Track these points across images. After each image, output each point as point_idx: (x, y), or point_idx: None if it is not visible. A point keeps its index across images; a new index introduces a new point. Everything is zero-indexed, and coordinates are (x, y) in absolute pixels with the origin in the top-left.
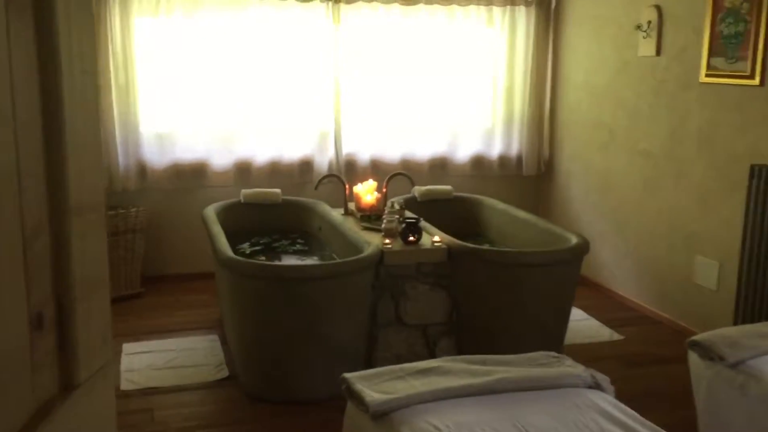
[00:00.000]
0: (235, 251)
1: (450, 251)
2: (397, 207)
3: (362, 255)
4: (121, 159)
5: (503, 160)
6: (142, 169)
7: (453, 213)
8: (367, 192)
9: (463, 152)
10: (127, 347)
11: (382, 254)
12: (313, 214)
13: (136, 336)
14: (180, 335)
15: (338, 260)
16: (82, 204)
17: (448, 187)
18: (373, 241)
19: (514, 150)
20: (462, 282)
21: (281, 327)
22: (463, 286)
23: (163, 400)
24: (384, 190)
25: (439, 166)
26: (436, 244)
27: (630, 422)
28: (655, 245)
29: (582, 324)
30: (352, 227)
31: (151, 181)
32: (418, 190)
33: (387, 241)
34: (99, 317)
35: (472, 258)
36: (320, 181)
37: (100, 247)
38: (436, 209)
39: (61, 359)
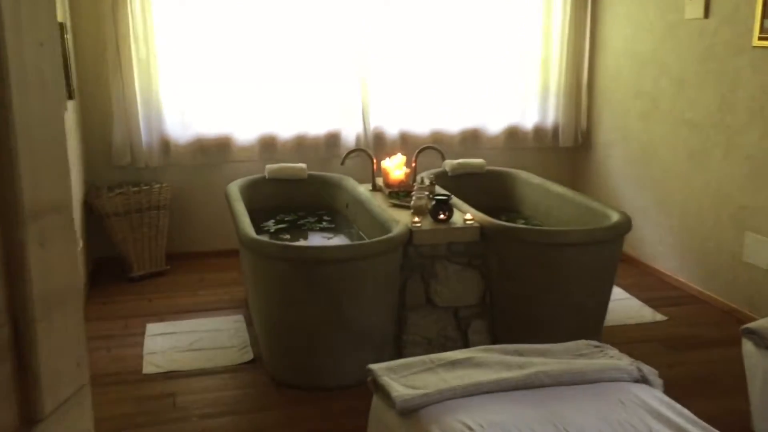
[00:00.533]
0: (260, 229)
1: (483, 230)
2: (426, 182)
3: (389, 235)
4: (143, 135)
5: (538, 131)
6: (166, 145)
7: (485, 187)
8: (395, 167)
9: (496, 124)
10: (151, 328)
11: (410, 233)
12: (339, 190)
13: (160, 316)
14: (204, 315)
15: (363, 241)
16: (39, 205)
17: (480, 161)
18: (402, 220)
19: (550, 121)
20: (495, 262)
21: (306, 310)
22: (496, 267)
23: (186, 385)
24: (413, 164)
25: (471, 139)
26: (467, 222)
27: (681, 422)
28: (701, 220)
29: (622, 303)
30: (379, 204)
31: (175, 156)
32: (449, 163)
33: (416, 219)
34: (68, 336)
35: (506, 237)
36: (347, 155)
37: (67, 253)
38: (468, 184)
39: (21, 389)
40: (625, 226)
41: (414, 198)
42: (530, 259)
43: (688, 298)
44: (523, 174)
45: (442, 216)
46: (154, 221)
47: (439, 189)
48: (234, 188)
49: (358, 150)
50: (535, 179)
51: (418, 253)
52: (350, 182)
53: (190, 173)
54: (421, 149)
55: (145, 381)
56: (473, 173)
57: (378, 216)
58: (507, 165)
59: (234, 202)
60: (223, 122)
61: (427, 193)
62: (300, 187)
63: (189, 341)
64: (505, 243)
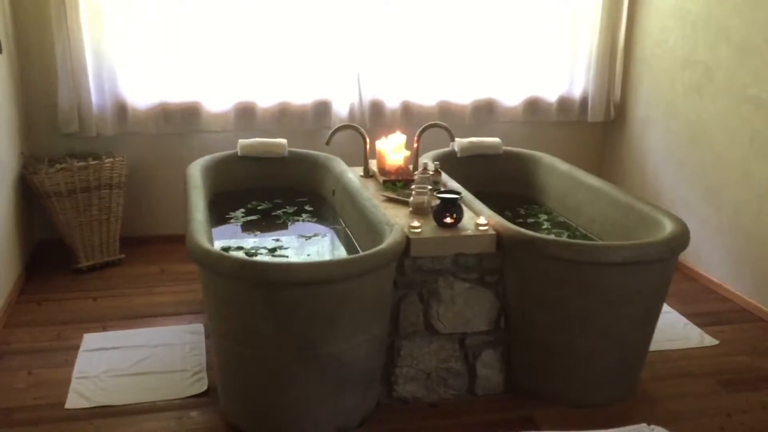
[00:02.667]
0: (224, 220)
1: (500, 239)
2: (430, 170)
3: (378, 249)
4: (94, 96)
5: (564, 103)
6: (122, 110)
7: (501, 172)
8: (393, 149)
9: (514, 94)
10: (89, 340)
11: (408, 242)
12: (326, 173)
13: (104, 322)
14: (158, 322)
15: (343, 258)
16: None
17: (495, 140)
18: (398, 221)
19: (577, 91)
20: (515, 279)
21: (269, 342)
22: (515, 285)
23: (117, 426)
24: (415, 145)
25: (485, 112)
26: (481, 228)
27: None
28: (760, 219)
29: (664, 320)
30: (371, 198)
31: (133, 124)
32: (459, 143)
33: (416, 224)
34: None
35: (530, 250)
36: (333, 133)
37: None
38: (481, 167)
39: None
40: (682, 239)
41: (414, 192)
42: (560, 279)
43: (741, 315)
44: (547, 158)
45: (448, 219)
46: (105, 202)
47: (446, 179)
48: (195, 171)
49: (347, 126)
50: (562, 165)
51: (416, 266)
52: (339, 165)
53: (152, 144)
54: (425, 127)
55: (66, 420)
56: (487, 155)
57: (368, 214)
58: (525, 141)
59: (192, 191)
60: (193, 84)
61: (429, 187)
62: (279, 167)
63: (132, 360)
64: (529, 257)
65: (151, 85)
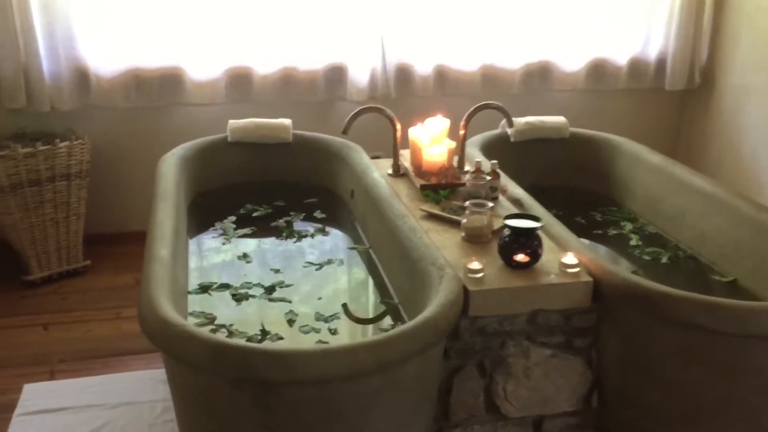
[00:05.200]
0: (208, 227)
1: (598, 287)
2: (487, 174)
3: (427, 317)
4: (46, 61)
5: (636, 66)
6: (82, 78)
7: (567, 162)
8: (432, 140)
9: (577, 56)
10: (30, 394)
11: (466, 295)
12: (342, 166)
13: (52, 365)
14: (123, 364)
15: (376, 339)
16: None
17: (560, 120)
18: (446, 254)
19: (653, 51)
20: (617, 345)
21: None
22: (618, 353)
23: None
24: (461, 132)
25: (539, 77)
26: (569, 270)
27: None
28: None
29: None
30: (406, 217)
31: (97, 95)
32: (515, 125)
33: (475, 265)
34: None
35: (645, 308)
36: (351, 119)
37: None
38: (540, 155)
39: None
40: None
41: (468, 211)
42: (690, 353)
43: None
44: (630, 145)
45: (521, 257)
46: (63, 197)
47: (506, 184)
48: (168, 167)
49: (370, 109)
50: (653, 157)
51: (476, 328)
52: (359, 157)
53: (121, 121)
54: (475, 110)
55: None
56: (547, 139)
57: (404, 242)
58: (585, 115)
59: (159, 202)
60: (173, 45)
61: (491, 204)
62: (280, 156)
63: (83, 431)
64: (643, 319)
65: (119, 46)
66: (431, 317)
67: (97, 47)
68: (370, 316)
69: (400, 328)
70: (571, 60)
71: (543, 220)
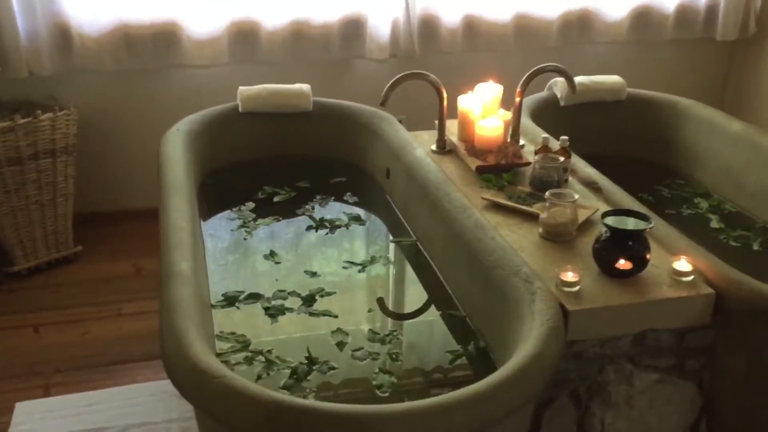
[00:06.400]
0: (225, 210)
1: (720, 300)
2: (557, 152)
3: (529, 357)
4: (20, 18)
5: (685, 13)
6: (64, 37)
7: (624, 128)
8: (485, 109)
9: (619, 2)
10: (22, 414)
11: (564, 315)
12: (373, 140)
13: (46, 377)
14: (129, 373)
15: (470, 392)
16: None
17: (616, 79)
18: (525, 256)
19: None
20: (738, 366)
21: None
22: (738, 376)
23: None
24: (517, 100)
25: (578, 28)
26: (683, 278)
27: None
28: None
29: None
30: (469, 209)
31: (82, 57)
32: (561, 86)
33: (570, 276)
34: None
35: None
36: (390, 89)
37: None
38: (594, 120)
39: None
40: None
41: (548, 203)
42: None
43: None
44: (700, 110)
45: (624, 264)
46: (48, 176)
47: (577, 164)
48: (174, 147)
49: (411, 75)
50: (733, 124)
51: (572, 354)
52: (394, 129)
53: (111, 86)
54: (533, 73)
55: None
56: (602, 102)
57: (471, 244)
58: (627, 68)
59: (171, 197)
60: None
61: (577, 196)
62: (300, 127)
63: None
64: None
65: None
66: (535, 355)
67: (80, 1)
68: (433, 333)
69: (500, 373)
70: (614, 7)
71: (653, 223)
